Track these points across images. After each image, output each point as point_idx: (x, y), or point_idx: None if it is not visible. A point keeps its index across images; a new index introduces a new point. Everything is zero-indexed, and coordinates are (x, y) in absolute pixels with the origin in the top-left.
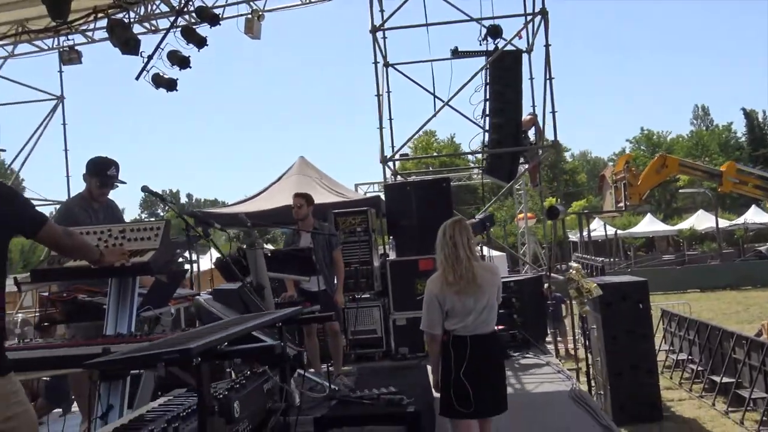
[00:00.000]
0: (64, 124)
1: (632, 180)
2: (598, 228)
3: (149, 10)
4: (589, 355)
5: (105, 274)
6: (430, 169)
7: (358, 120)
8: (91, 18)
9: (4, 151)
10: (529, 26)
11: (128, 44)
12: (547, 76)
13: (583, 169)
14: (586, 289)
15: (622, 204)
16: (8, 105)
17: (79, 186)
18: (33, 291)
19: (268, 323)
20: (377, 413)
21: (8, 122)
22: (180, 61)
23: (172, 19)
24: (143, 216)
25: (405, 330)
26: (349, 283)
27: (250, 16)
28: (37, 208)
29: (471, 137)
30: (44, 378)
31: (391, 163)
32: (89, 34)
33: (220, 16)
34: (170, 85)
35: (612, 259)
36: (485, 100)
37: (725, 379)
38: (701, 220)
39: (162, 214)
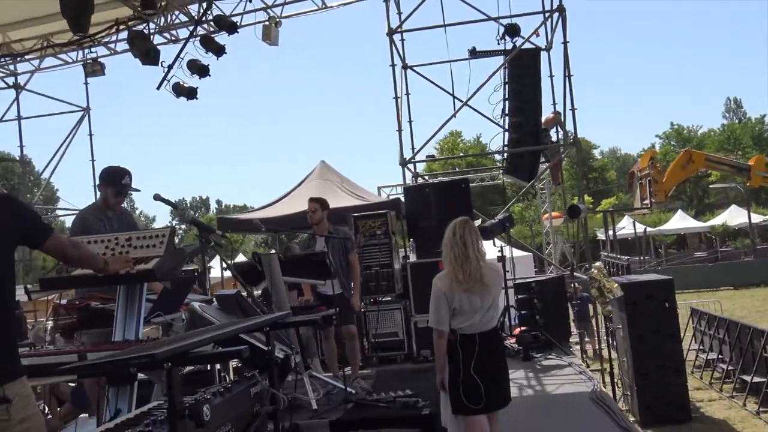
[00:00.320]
0: (90, 134)
1: (657, 177)
2: (627, 226)
3: (169, 20)
4: (615, 355)
5: (110, 281)
6: (457, 169)
7: (380, 122)
8: (113, 30)
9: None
10: (547, 23)
11: (148, 55)
12: (566, 74)
13: (612, 166)
14: (608, 289)
15: (647, 201)
16: (37, 117)
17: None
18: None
19: (250, 328)
20: (392, 416)
21: (38, 134)
22: (200, 69)
23: (191, 28)
24: (174, 222)
25: (426, 332)
26: (370, 286)
27: (267, 23)
28: (44, 218)
29: (495, 137)
30: (70, 384)
31: (411, 165)
32: (111, 46)
33: (238, 24)
34: (190, 93)
35: (642, 258)
36: (504, 99)
37: (756, 379)
38: (734, 216)
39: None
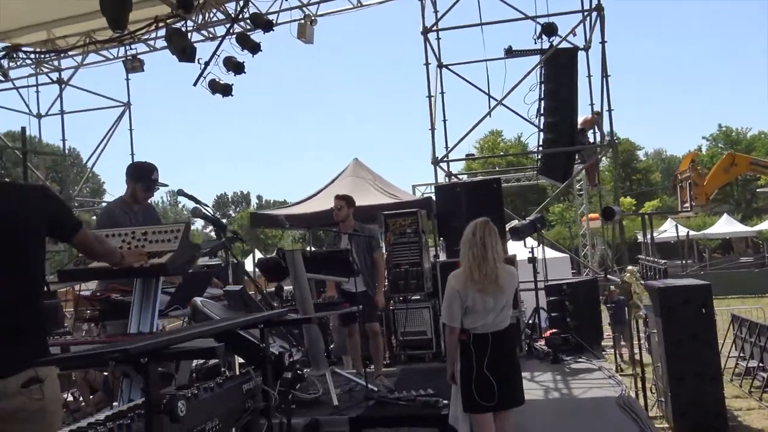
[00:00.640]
0: (130, 129)
1: (698, 180)
2: (669, 229)
3: (206, 18)
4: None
5: (124, 274)
6: (497, 168)
7: (416, 121)
8: (152, 27)
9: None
10: (585, 22)
11: (185, 52)
12: (604, 74)
13: (657, 167)
14: (637, 294)
15: (687, 205)
16: (80, 112)
17: None
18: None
19: (243, 324)
20: (412, 414)
21: (82, 129)
22: (235, 66)
23: (227, 26)
24: (216, 215)
25: None
26: (399, 284)
27: (302, 21)
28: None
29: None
30: (104, 372)
31: (444, 164)
32: (151, 42)
33: (274, 22)
34: (226, 90)
35: (684, 262)
36: (540, 99)
37: None
38: None
39: (233, 215)
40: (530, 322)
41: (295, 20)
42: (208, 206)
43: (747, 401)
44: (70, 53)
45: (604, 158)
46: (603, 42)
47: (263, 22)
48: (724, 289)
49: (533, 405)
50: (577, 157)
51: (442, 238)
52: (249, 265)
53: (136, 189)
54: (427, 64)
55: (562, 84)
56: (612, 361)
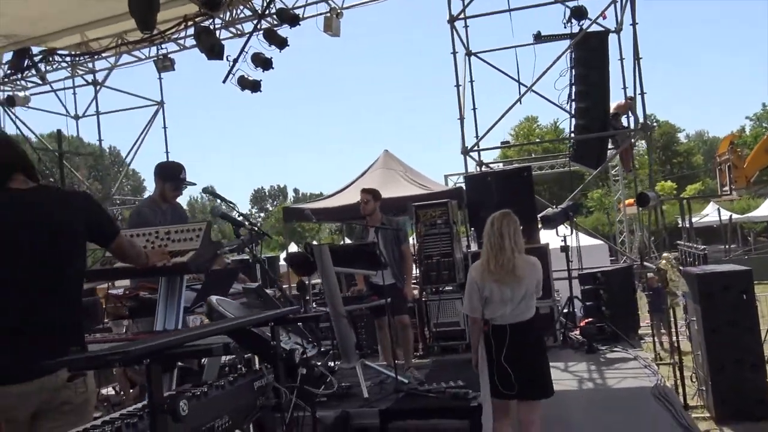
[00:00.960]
0: (164, 127)
1: (737, 162)
2: (711, 213)
3: (234, 15)
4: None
5: (147, 273)
6: (533, 155)
7: (446, 110)
8: (182, 26)
9: (93, 154)
10: (617, 4)
11: (213, 50)
12: (635, 56)
13: (699, 150)
14: (673, 281)
15: (727, 188)
16: (115, 112)
17: None
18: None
19: (253, 323)
20: (442, 406)
21: (118, 128)
22: (263, 62)
23: (254, 22)
24: (253, 210)
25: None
26: (431, 276)
27: (328, 14)
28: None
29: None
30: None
31: (475, 153)
32: (181, 41)
33: (300, 16)
34: (255, 86)
35: (727, 246)
36: (570, 84)
37: None
38: None
39: (270, 208)
40: (566, 311)
41: (321, 14)
42: (233, 204)
43: None
44: (103, 55)
45: (640, 142)
46: (634, 24)
47: (289, 17)
48: None
49: (566, 395)
50: (611, 142)
51: (473, 228)
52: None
53: (165, 188)
54: (454, 52)
55: (593, 68)
56: (650, 349)
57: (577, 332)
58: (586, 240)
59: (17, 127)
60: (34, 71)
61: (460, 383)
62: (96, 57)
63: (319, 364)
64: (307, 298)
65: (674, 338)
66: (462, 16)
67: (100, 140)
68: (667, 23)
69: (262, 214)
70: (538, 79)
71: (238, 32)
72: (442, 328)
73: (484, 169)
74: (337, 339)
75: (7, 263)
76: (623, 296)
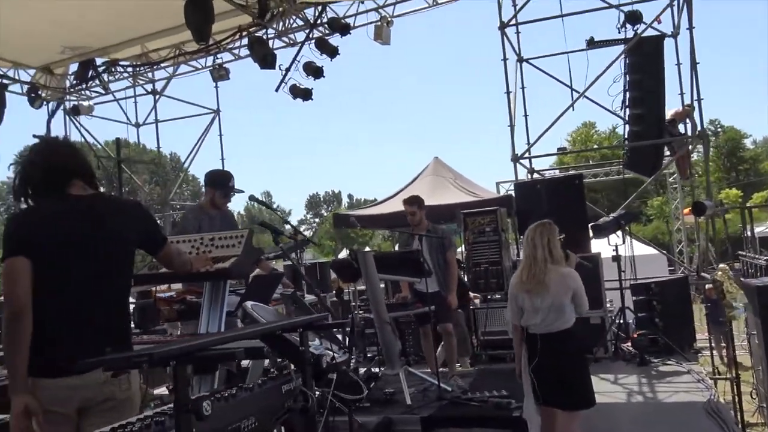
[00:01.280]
0: (220, 135)
1: None
2: None
3: (286, 25)
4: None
5: (191, 278)
6: (590, 162)
7: (498, 117)
8: (237, 37)
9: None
10: (673, 8)
11: (266, 60)
12: (692, 62)
13: (766, 156)
14: (731, 293)
15: None
16: (174, 120)
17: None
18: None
19: (282, 328)
20: (484, 415)
21: (175, 136)
22: (314, 71)
23: (306, 32)
24: (308, 216)
25: None
26: (479, 284)
27: (379, 23)
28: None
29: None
30: None
31: (526, 161)
32: (236, 51)
33: (351, 25)
34: (306, 94)
35: None
36: (624, 90)
37: None
38: None
39: (325, 214)
40: (619, 322)
41: (371, 22)
42: (277, 211)
43: None
44: (162, 65)
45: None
46: (690, 28)
47: (340, 26)
48: None
49: (615, 408)
50: (667, 149)
51: (521, 237)
52: None
53: (215, 195)
54: (505, 59)
55: (648, 74)
56: (708, 363)
57: (629, 344)
58: (643, 249)
59: (81, 135)
60: (97, 81)
61: (503, 393)
62: (155, 67)
63: (361, 370)
64: (353, 303)
65: (732, 352)
66: (513, 22)
67: (158, 147)
68: (736, 24)
69: (316, 220)
70: (590, 86)
71: (291, 42)
72: (490, 336)
73: (535, 176)
74: (381, 345)
75: (62, 266)
76: (678, 308)
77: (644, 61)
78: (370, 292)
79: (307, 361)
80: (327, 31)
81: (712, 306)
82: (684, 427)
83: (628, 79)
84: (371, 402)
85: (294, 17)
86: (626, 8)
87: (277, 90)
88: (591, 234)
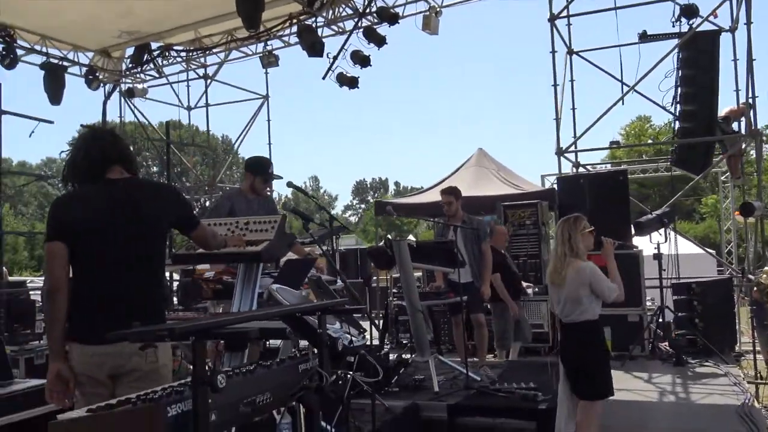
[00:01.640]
0: (268, 120)
1: None
2: None
3: (336, 13)
4: None
5: (225, 260)
6: (644, 157)
7: (546, 110)
8: (287, 24)
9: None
10: (733, 1)
11: (314, 47)
12: (749, 58)
13: None
14: None
15: None
16: (224, 104)
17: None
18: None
19: (301, 311)
20: (510, 406)
21: (225, 120)
22: (361, 60)
23: (355, 20)
24: (354, 202)
25: None
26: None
27: (428, 13)
28: None
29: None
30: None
31: (572, 155)
32: (285, 38)
33: (400, 14)
34: (352, 83)
35: None
36: (676, 85)
37: None
38: None
39: (371, 200)
40: (659, 321)
41: (420, 12)
42: (315, 198)
43: None
44: (214, 51)
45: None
46: (748, 23)
47: (389, 16)
48: None
49: (645, 406)
50: (719, 147)
51: None
52: None
53: (255, 181)
54: (553, 51)
55: (702, 70)
56: (751, 367)
57: (667, 343)
58: (691, 249)
59: (135, 117)
60: (152, 65)
61: (531, 385)
62: (207, 53)
63: (392, 356)
64: (392, 290)
65: None
66: (564, 14)
67: (208, 130)
68: None
69: (362, 206)
70: (640, 80)
71: (339, 30)
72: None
73: (580, 170)
74: (412, 332)
75: (99, 244)
76: (719, 309)
77: (698, 57)
78: (403, 280)
79: (324, 343)
80: (376, 20)
81: (757, 309)
82: (713, 428)
83: (680, 74)
84: (400, 387)
85: (343, 6)
86: (682, 1)
87: (324, 78)
88: (633, 231)
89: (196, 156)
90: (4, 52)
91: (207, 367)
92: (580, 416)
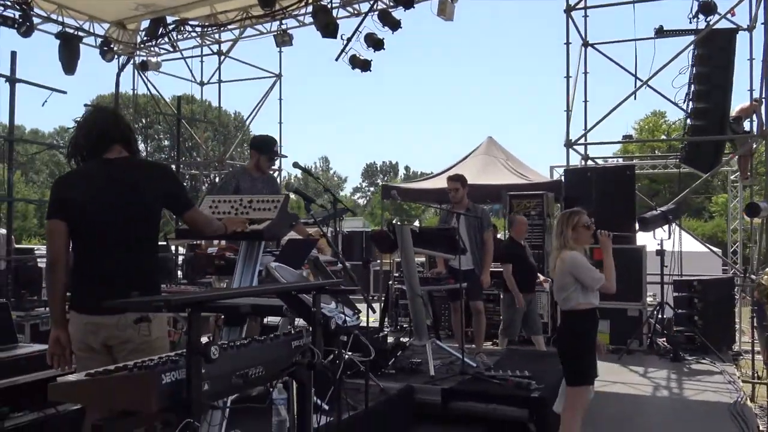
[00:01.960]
0: (280, 99)
1: None
2: None
3: None
4: None
5: (228, 237)
6: (656, 152)
7: (558, 101)
8: (302, 3)
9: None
10: (752, 0)
11: (328, 28)
12: (765, 57)
13: None
14: None
15: None
16: (237, 81)
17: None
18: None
19: (295, 289)
20: (503, 393)
21: (237, 96)
22: (375, 43)
23: (371, 3)
24: (364, 184)
25: None
26: None
27: None
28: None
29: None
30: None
31: (581, 147)
32: (301, 18)
33: None
34: (365, 65)
35: None
36: (689, 83)
37: None
38: None
39: (380, 183)
40: (660, 316)
41: None
42: (320, 179)
43: None
44: (229, 27)
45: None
46: (767, 22)
47: None
48: None
49: (638, 400)
50: (728, 146)
51: None
52: None
53: (260, 159)
54: (567, 43)
55: (717, 68)
56: (749, 366)
57: (665, 339)
58: (697, 247)
59: (148, 89)
60: (167, 39)
61: (526, 373)
62: (222, 29)
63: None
64: (393, 274)
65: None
66: (581, 5)
67: (219, 106)
68: None
69: (371, 189)
70: (653, 75)
71: (355, 11)
72: None
73: (588, 163)
74: (411, 316)
75: (100, 224)
76: (720, 308)
77: (714, 54)
78: (404, 265)
79: (318, 322)
80: (391, 4)
81: (758, 309)
82: (704, 426)
83: (694, 71)
84: (396, 370)
85: None
86: None
87: (337, 59)
88: (637, 226)
89: (207, 131)
90: (20, 20)
91: (204, 339)
92: (565, 400)
